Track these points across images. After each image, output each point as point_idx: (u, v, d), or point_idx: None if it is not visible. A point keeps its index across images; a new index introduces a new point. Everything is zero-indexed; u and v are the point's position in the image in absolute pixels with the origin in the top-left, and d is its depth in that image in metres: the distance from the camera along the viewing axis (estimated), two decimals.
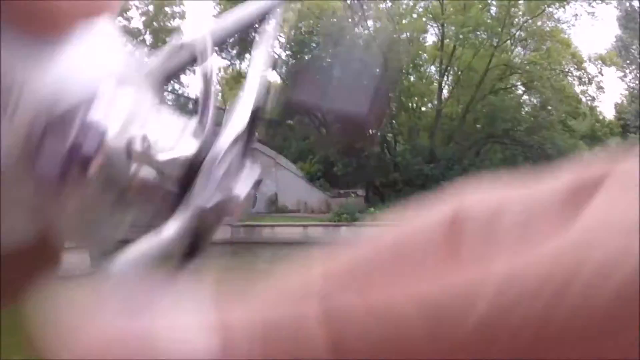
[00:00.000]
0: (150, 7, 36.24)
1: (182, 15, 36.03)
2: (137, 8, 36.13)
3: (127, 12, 35.85)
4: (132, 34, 35.86)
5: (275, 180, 26.59)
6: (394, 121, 27.82)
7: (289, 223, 22.71)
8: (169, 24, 36.18)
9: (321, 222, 21.89)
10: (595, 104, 30.77)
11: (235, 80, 31.84)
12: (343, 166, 24.44)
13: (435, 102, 28.32)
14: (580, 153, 25.18)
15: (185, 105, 27.30)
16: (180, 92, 31.34)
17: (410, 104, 28.44)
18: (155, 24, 35.93)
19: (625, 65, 34.18)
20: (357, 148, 23.86)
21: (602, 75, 28.00)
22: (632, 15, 34.91)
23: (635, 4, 35.42)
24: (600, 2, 25.60)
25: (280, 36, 27.75)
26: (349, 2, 28.28)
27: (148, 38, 36.44)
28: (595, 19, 25.29)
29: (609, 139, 33.18)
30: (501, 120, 25.51)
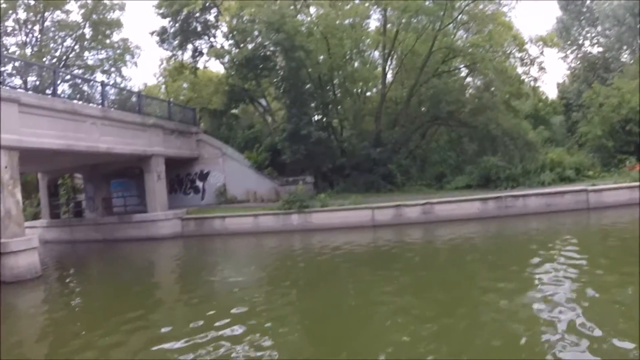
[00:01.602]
0: (89, 0, 35.02)
1: (121, 7, 34.94)
2: (76, 1, 34.94)
3: (65, 6, 34.73)
4: (71, 28, 34.67)
5: (223, 171, 26.18)
6: (339, 107, 27.66)
7: (239, 213, 22.35)
8: (108, 17, 35.11)
9: (271, 211, 21.51)
10: (538, 84, 30.96)
11: (178, 71, 31.14)
12: (291, 153, 24.07)
13: (380, 87, 28.19)
14: (524, 132, 25.64)
15: None
16: None
17: (354, 90, 28.31)
18: (94, 16, 34.74)
19: (566, 46, 35.04)
20: (303, 135, 23.64)
21: (543, 56, 28.28)
22: None
23: None
24: None
25: (223, 25, 27.27)
26: None
27: (87, 31, 35.32)
28: (536, 1, 25.41)
29: (552, 118, 33.99)
30: (445, 103, 25.52)
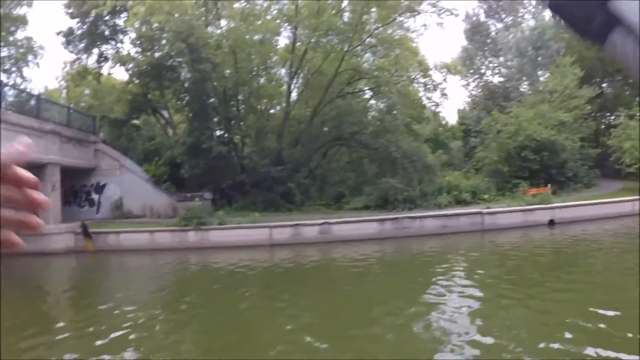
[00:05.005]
0: None
1: (29, 4, 33.45)
2: None
3: None
4: None
5: (120, 184, 25.48)
6: (242, 123, 27.73)
7: (134, 229, 21.79)
8: (14, 12, 33.53)
9: (168, 227, 21.19)
10: (439, 109, 32.54)
11: (81, 76, 30.11)
12: (190, 168, 23.89)
13: (284, 105, 28.44)
14: (423, 156, 26.73)
15: None
16: None
17: (259, 106, 28.51)
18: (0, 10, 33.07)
19: (468, 75, 36.95)
20: (203, 149, 23.55)
21: (446, 82, 29.53)
22: (478, 29, 37.86)
23: (482, 17, 38.47)
24: (448, 14, 26.99)
25: (131, 31, 26.48)
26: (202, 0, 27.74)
27: None
28: (443, 29, 26.63)
29: (451, 143, 35.64)
30: (348, 124, 26.26)
